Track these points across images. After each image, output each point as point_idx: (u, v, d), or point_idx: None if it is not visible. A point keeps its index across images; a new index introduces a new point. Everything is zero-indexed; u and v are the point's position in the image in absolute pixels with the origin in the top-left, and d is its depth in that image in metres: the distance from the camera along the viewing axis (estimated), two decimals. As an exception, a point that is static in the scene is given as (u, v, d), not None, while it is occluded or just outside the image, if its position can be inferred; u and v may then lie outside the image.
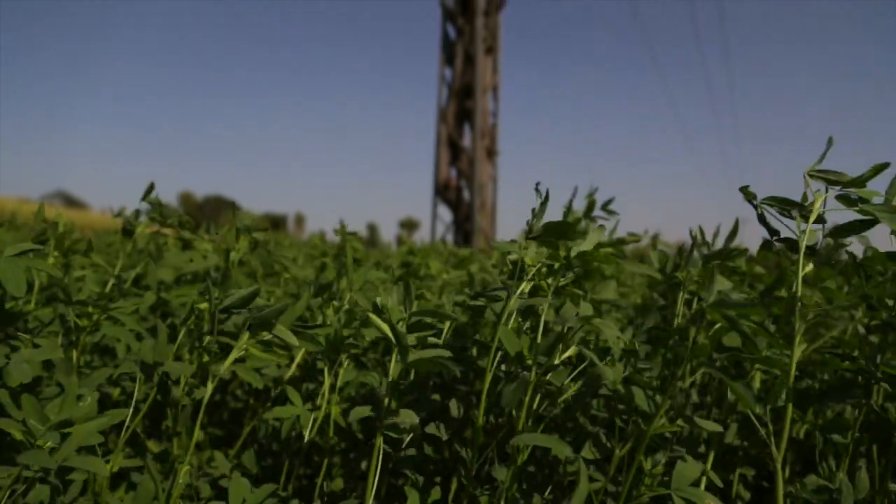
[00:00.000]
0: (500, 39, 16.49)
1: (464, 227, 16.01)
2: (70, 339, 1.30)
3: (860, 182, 0.83)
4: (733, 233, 1.20)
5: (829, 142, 0.86)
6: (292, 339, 0.80)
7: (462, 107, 16.10)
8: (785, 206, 0.88)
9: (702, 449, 1.15)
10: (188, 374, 1.00)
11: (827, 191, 0.85)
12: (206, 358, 1.01)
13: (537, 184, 0.94)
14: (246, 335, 0.80)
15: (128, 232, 1.76)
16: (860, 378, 1.03)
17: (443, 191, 16.04)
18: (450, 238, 16.27)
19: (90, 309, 1.21)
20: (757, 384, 1.23)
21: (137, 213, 1.78)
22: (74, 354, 1.27)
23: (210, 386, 0.85)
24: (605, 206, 1.48)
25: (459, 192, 16.13)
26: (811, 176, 0.85)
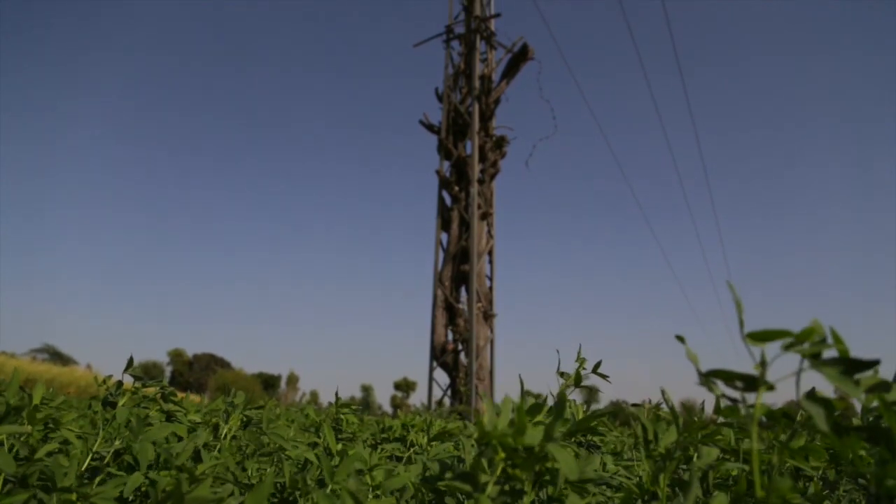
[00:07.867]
0: (494, 205, 16.95)
1: (461, 391, 15.57)
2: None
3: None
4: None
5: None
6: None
7: (458, 270, 16.26)
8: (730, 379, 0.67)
9: None
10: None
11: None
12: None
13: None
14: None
15: (110, 404, 1.71)
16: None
17: (439, 354, 15.76)
18: (447, 402, 15.82)
19: (73, 497, 1.14)
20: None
21: (120, 384, 1.74)
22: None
23: None
24: (595, 370, 1.43)
25: (456, 356, 15.84)
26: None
